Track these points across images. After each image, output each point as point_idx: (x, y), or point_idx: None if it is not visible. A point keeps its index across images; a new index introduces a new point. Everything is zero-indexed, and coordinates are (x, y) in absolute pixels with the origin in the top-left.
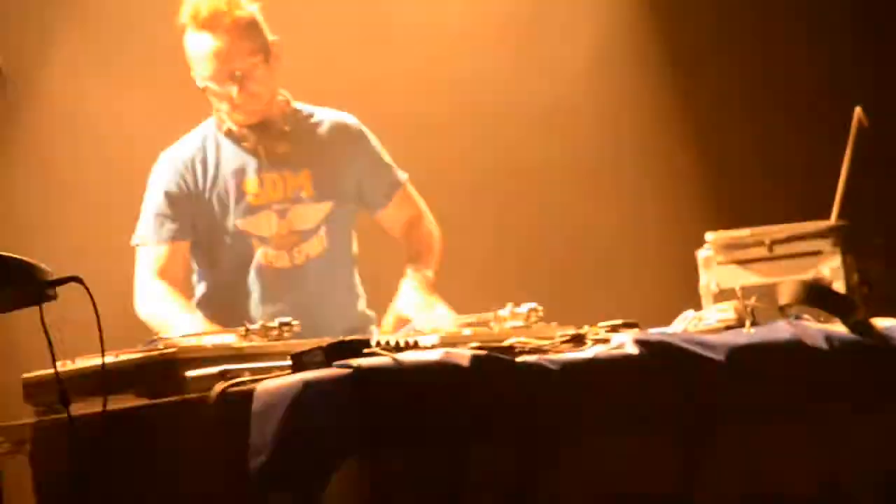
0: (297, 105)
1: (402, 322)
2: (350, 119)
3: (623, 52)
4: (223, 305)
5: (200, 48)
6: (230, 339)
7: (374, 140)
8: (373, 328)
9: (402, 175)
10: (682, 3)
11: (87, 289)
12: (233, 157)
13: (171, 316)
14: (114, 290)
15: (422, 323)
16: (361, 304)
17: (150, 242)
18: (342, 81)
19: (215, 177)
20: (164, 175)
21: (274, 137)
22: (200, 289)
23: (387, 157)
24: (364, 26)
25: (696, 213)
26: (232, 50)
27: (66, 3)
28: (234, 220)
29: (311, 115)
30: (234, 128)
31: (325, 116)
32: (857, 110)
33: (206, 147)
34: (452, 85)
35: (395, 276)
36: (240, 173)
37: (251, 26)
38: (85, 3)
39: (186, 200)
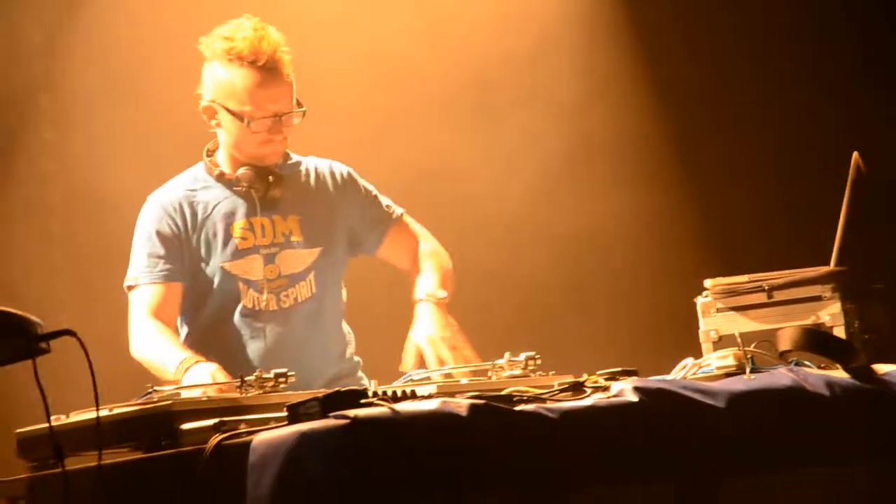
0: (289, 153)
1: (420, 355)
2: (337, 166)
3: (618, 95)
4: (207, 348)
5: (252, 83)
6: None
7: (363, 183)
8: (361, 374)
9: (398, 210)
10: (681, 47)
11: (80, 342)
12: (222, 200)
13: (164, 357)
14: (109, 340)
15: (444, 361)
16: (350, 350)
17: (143, 283)
18: (345, 131)
19: (204, 220)
20: (153, 217)
21: (266, 182)
22: (183, 331)
23: (379, 196)
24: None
25: (695, 259)
26: (284, 91)
27: (58, 51)
28: (220, 263)
29: (299, 163)
30: (227, 171)
31: (313, 164)
32: (855, 155)
33: (195, 190)
34: (451, 134)
35: (386, 327)
36: (229, 216)
37: (291, 71)
38: (71, 52)
39: (176, 242)
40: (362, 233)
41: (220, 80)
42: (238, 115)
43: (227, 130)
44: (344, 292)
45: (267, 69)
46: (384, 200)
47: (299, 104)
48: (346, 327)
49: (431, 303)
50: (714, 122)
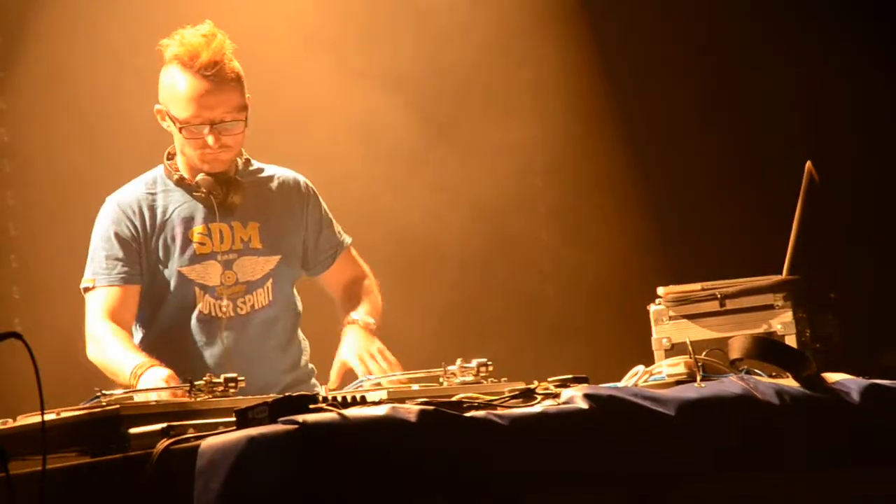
0: (251, 160)
1: (346, 370)
2: (301, 178)
3: (580, 101)
4: (162, 353)
5: (189, 90)
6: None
7: (322, 202)
8: (314, 381)
9: (347, 239)
10: (647, 50)
11: (26, 344)
12: (182, 204)
13: (119, 360)
14: (62, 345)
15: (371, 373)
16: (304, 358)
17: (100, 284)
18: (297, 142)
19: (163, 223)
20: (111, 218)
21: (225, 188)
22: (139, 334)
23: (333, 221)
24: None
25: (648, 267)
26: (221, 100)
27: (14, 54)
28: (177, 267)
29: (262, 170)
30: (186, 175)
31: (277, 173)
32: (808, 164)
33: (154, 193)
34: (411, 145)
35: (338, 332)
36: (188, 221)
37: (239, 81)
38: (27, 54)
39: (134, 244)
40: (314, 252)
41: (165, 83)
42: (174, 120)
43: (173, 135)
44: (299, 300)
45: (204, 76)
46: (336, 226)
47: (244, 110)
48: (301, 335)
49: (358, 325)
50: (671, 129)
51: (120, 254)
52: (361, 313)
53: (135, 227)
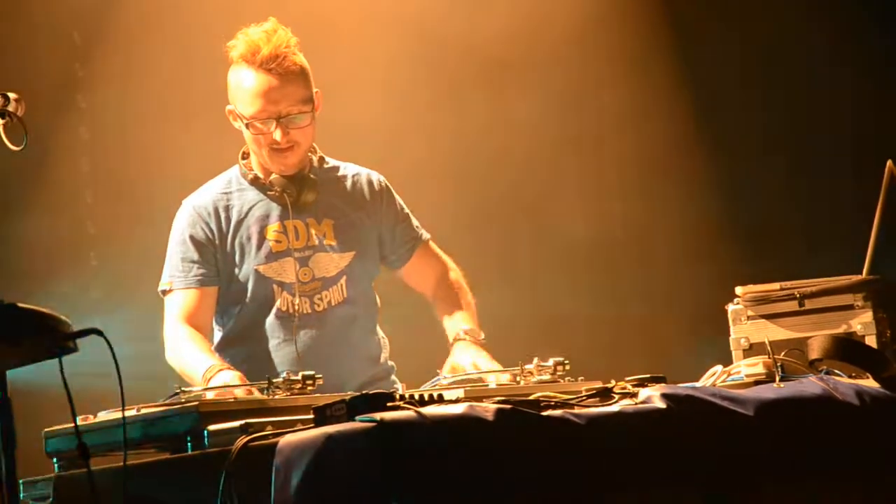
0: (326, 158)
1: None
2: (375, 175)
3: (653, 103)
4: (241, 351)
5: (253, 86)
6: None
7: (397, 197)
8: (394, 378)
9: (425, 234)
10: (715, 54)
11: (107, 341)
12: (257, 203)
13: (193, 364)
14: (142, 341)
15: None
16: (384, 355)
17: (177, 287)
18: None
19: (238, 223)
20: (187, 221)
21: (300, 186)
22: (219, 334)
23: (411, 215)
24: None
25: (726, 267)
26: (285, 93)
27: (95, 52)
28: (254, 265)
29: (336, 168)
30: (260, 174)
31: (351, 171)
32: (889, 164)
33: (229, 194)
34: (481, 135)
35: (422, 333)
36: (263, 219)
37: (303, 74)
38: (108, 52)
39: (210, 246)
40: (391, 246)
41: (231, 82)
42: (241, 117)
43: (244, 135)
44: (377, 296)
45: (267, 69)
46: (414, 221)
47: (309, 102)
48: (380, 332)
49: (469, 341)
50: (750, 126)
51: (195, 256)
52: (469, 326)
53: (210, 229)
